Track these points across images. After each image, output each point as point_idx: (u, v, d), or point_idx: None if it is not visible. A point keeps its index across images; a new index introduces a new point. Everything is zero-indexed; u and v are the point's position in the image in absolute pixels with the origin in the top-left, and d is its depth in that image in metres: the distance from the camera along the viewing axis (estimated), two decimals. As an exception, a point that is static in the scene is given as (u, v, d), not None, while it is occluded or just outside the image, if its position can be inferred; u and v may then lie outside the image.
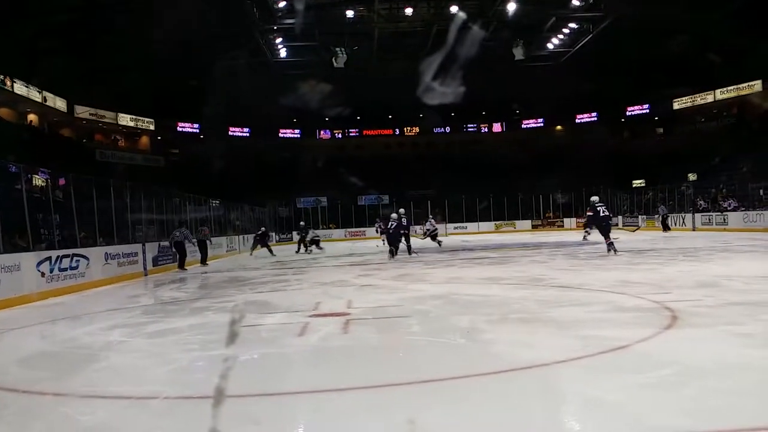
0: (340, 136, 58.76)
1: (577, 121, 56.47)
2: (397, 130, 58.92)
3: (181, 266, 17.75)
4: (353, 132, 58.87)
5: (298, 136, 57.82)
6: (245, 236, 28.71)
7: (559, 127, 57.66)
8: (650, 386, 3.91)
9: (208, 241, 19.90)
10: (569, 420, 3.50)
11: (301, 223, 27.28)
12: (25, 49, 33.35)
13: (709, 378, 4.06)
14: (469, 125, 59.27)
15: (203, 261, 19.47)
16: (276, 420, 3.66)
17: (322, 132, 58.29)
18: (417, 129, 58.81)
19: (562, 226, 43.13)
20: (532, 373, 4.38)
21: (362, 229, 43.48)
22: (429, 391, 4.09)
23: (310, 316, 7.30)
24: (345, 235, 42.06)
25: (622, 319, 6.35)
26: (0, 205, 10.56)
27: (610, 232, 15.21)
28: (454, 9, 37.61)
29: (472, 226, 43.21)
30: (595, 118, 55.74)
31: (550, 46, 44.33)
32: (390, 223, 17.91)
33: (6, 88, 35.57)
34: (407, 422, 3.44)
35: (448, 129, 58.95)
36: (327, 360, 5.21)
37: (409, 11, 38.33)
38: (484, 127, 59.29)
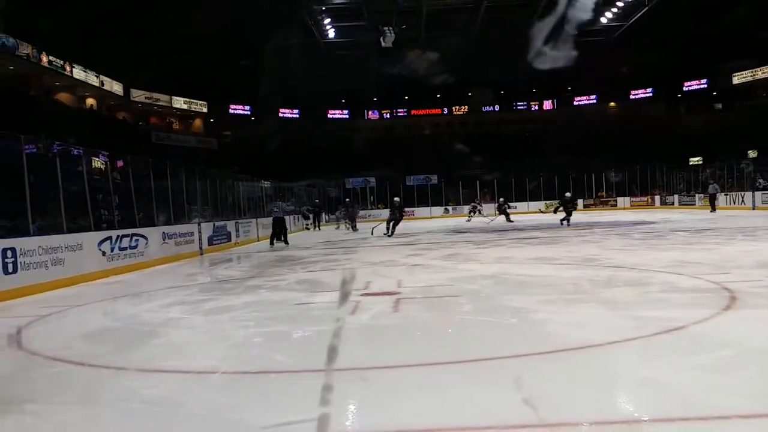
0: (388, 116, 58.66)
1: (631, 97, 54.89)
2: (446, 109, 58.44)
3: (285, 241, 18.50)
4: (401, 112, 58.69)
5: (347, 116, 58.00)
6: (295, 216, 29.18)
7: (612, 104, 56.17)
8: (707, 368, 3.83)
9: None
10: (622, 401, 3.47)
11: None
12: (82, 34, 34.28)
13: (770, 360, 3.95)
14: (518, 103, 58.28)
15: (284, 239, 20.14)
16: (328, 395, 3.72)
17: (370, 112, 58.29)
18: (465, 108, 58.23)
19: (616, 205, 42.16)
20: (585, 354, 4.34)
21: (411, 209, 43.42)
22: (480, 371, 4.10)
23: (361, 295, 7.36)
24: (394, 215, 42.05)
25: (678, 299, 6.21)
26: (63, 187, 10.96)
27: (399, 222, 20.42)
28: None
29: (521, 206, 42.58)
30: (651, 94, 54.05)
31: (603, 20, 43.04)
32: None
33: (65, 73, 36.76)
34: (461, 401, 3.47)
35: (497, 107, 58.19)
36: (378, 338, 5.27)
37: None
38: (534, 105, 58.19)
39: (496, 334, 5.20)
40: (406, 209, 42.65)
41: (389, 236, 19.65)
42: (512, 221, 26.17)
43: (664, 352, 4.28)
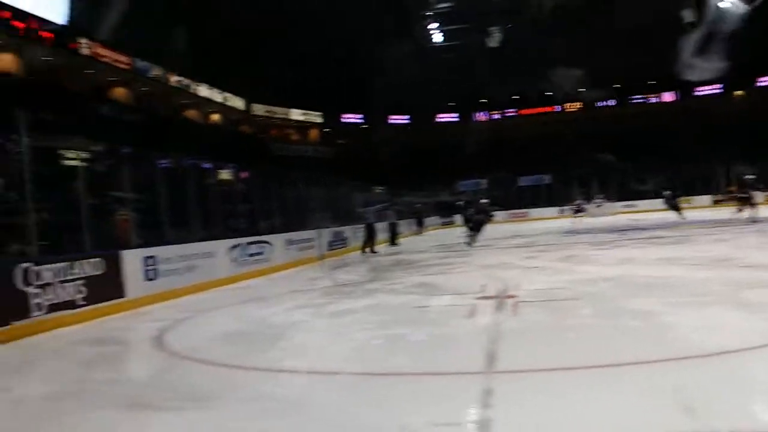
0: (497, 116, 57.98)
1: (758, 84, 50.81)
2: (558, 107, 56.86)
3: (370, 248, 17.82)
4: (510, 112, 57.81)
5: (456, 119, 57.94)
6: (406, 221, 29.44)
7: (739, 92, 52.27)
8: None
9: (395, 223, 21.64)
10: (760, 412, 3.27)
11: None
12: (206, 55, 36.65)
13: None
14: (634, 97, 55.65)
15: (393, 242, 21.05)
16: (445, 398, 3.77)
17: (478, 114, 57.88)
18: (579, 104, 56.36)
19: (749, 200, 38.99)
20: (719, 361, 4.10)
21: (524, 210, 42.62)
22: (604, 376, 3.99)
23: (478, 298, 7.36)
24: (507, 217, 41.43)
25: (825, 302, 5.73)
26: (194, 198, 11.80)
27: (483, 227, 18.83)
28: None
29: (642, 204, 40.50)
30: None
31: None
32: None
33: (192, 92, 39.43)
34: (583, 406, 3.42)
35: (612, 102, 55.81)
36: (496, 342, 5.23)
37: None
38: (653, 98, 55.33)
39: (620, 339, 5.00)
40: (518, 211, 42.08)
41: (471, 245, 17.35)
42: (684, 218, 23.43)
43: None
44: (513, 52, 42.51)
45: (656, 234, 17.12)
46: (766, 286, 6.83)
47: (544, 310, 6.59)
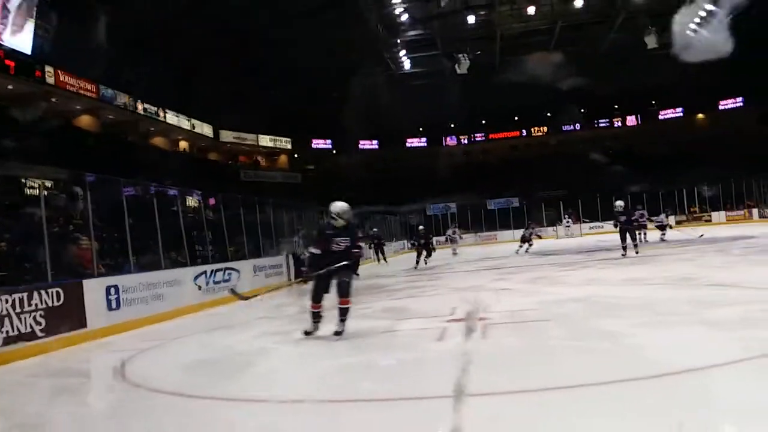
0: (466, 141, 58.81)
1: (720, 107, 52.39)
2: (524, 131, 57.93)
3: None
4: (479, 136, 58.71)
5: (425, 144, 58.51)
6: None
7: (700, 116, 53.80)
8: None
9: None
10: (730, 430, 3.28)
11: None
12: (173, 81, 36.44)
13: None
14: (600, 121, 56.92)
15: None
16: (417, 423, 3.71)
17: (448, 139, 58.64)
18: (545, 129, 57.49)
19: (710, 220, 39.99)
20: (687, 379, 4.13)
21: (493, 233, 42.99)
22: (576, 397, 3.97)
23: (448, 321, 7.33)
24: (476, 240, 41.77)
25: (787, 318, 5.82)
26: (160, 225, 11.59)
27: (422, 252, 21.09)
28: (579, 3, 36.59)
29: (609, 226, 41.04)
30: (741, 104, 51.33)
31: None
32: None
33: (159, 119, 39.10)
34: (560, 429, 3.39)
35: (577, 126, 57.02)
36: (467, 364, 5.19)
37: (531, 10, 37.62)
38: (617, 122, 56.68)
39: (591, 360, 5.00)
40: (488, 233, 42.40)
41: (415, 268, 19.68)
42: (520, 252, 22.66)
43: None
44: (482, 78, 43.07)
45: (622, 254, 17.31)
46: (730, 304, 6.93)
47: (515, 331, 6.58)
